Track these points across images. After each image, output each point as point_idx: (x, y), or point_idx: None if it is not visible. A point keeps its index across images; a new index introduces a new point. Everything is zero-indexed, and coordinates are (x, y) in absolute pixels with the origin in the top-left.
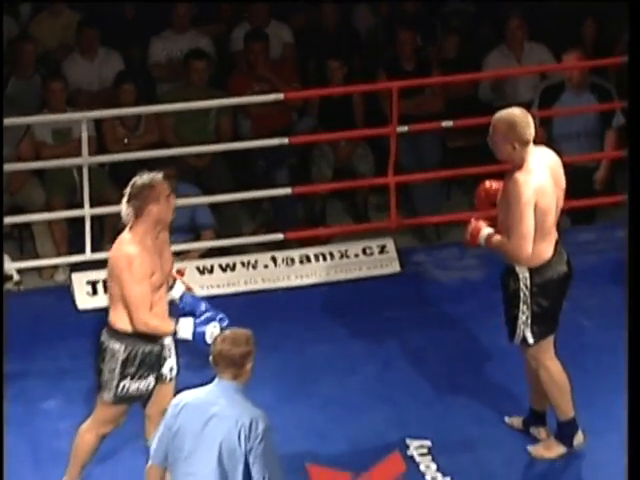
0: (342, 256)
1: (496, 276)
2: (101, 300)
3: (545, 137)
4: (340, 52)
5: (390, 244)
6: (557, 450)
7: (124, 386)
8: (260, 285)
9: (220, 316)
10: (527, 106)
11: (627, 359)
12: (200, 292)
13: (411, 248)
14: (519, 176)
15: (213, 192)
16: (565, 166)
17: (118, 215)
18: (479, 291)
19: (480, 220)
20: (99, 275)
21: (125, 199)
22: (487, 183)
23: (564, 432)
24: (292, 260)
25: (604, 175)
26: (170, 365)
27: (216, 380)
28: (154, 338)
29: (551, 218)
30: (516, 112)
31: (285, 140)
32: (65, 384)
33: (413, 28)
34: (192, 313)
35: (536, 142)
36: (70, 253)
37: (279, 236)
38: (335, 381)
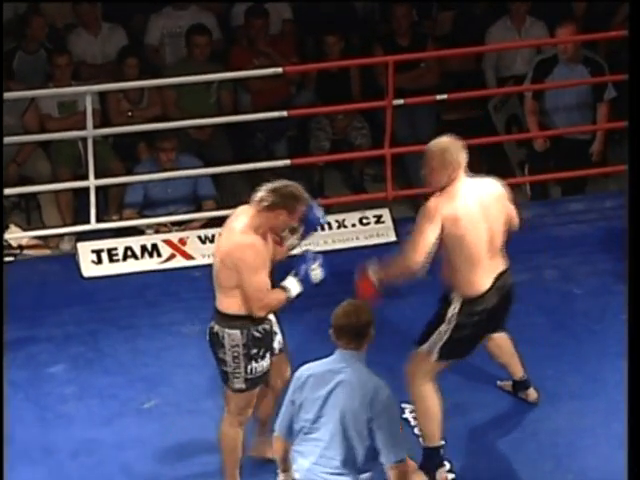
0: (340, 226)
1: None
2: (105, 268)
3: (538, 109)
4: (337, 27)
5: (386, 214)
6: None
7: (252, 369)
8: None
9: (310, 257)
10: (522, 79)
11: (628, 357)
12: (202, 261)
13: (406, 218)
14: (433, 199)
15: (214, 164)
16: (557, 138)
17: (122, 186)
18: None
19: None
20: (103, 244)
21: (271, 188)
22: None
23: (428, 461)
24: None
25: (600, 148)
26: (278, 339)
27: (338, 351)
28: (263, 317)
29: (480, 249)
30: (447, 139)
31: (284, 113)
32: (71, 349)
33: (409, 3)
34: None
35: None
36: (75, 223)
37: None
38: (332, 347)
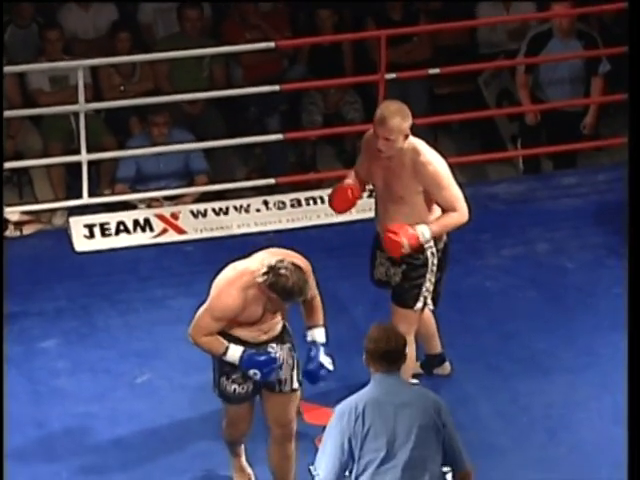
0: (330, 194)
1: (481, 219)
2: (98, 243)
3: (530, 83)
4: (330, 2)
5: None
6: None
7: (223, 384)
8: (252, 228)
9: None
10: (513, 55)
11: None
12: (194, 235)
13: None
14: (424, 159)
15: (206, 138)
16: (550, 111)
17: (114, 160)
18: (464, 234)
19: (400, 231)
20: (96, 219)
21: (273, 270)
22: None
23: None
24: (283, 204)
25: (592, 121)
26: (278, 376)
27: (379, 375)
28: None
29: None
30: (395, 103)
31: (276, 87)
32: (63, 324)
33: None
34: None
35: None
36: (68, 198)
37: (271, 181)
38: (326, 322)
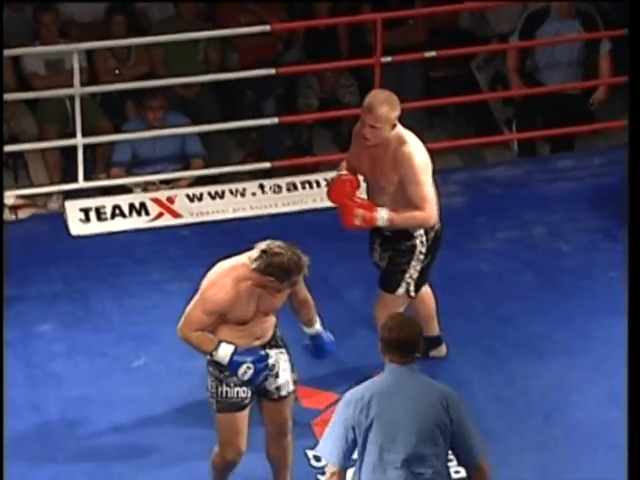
0: (328, 184)
1: (477, 202)
2: (93, 227)
3: (522, 66)
4: None
5: None
6: None
7: (222, 392)
8: (248, 212)
9: (257, 356)
10: (505, 37)
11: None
12: (190, 219)
13: None
14: (407, 149)
15: (202, 122)
16: (547, 94)
17: (109, 144)
18: (460, 217)
19: (360, 202)
20: (91, 203)
21: (267, 253)
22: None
23: None
24: (279, 188)
25: (602, 97)
26: (277, 383)
27: (393, 366)
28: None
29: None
30: (384, 92)
31: (272, 71)
32: (59, 308)
33: None
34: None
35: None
36: (63, 181)
37: (266, 165)
38: (320, 304)
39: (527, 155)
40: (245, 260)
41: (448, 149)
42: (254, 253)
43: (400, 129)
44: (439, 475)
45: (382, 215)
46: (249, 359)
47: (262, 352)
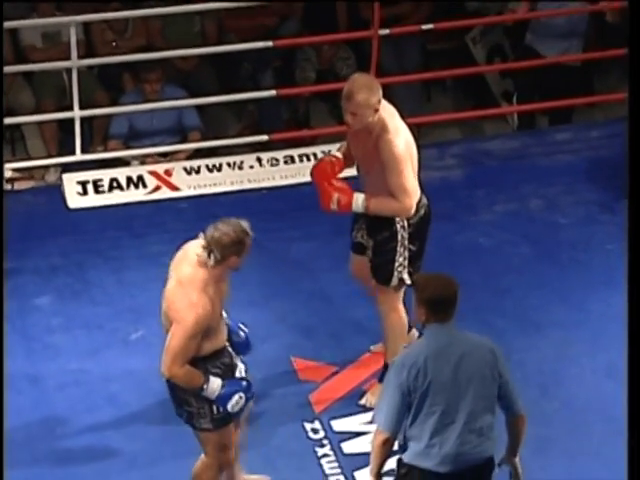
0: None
1: (475, 175)
2: (91, 199)
3: (528, 37)
4: None
5: None
6: None
7: (217, 407)
8: (246, 185)
9: (245, 385)
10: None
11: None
12: (187, 192)
13: None
14: (388, 137)
15: (199, 94)
16: (545, 66)
17: (106, 117)
18: (458, 190)
19: (338, 186)
20: (89, 175)
21: (212, 243)
22: (331, 158)
23: None
24: (277, 161)
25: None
26: (241, 369)
27: (436, 325)
28: (220, 351)
29: (416, 165)
30: (364, 77)
31: (270, 43)
32: (57, 281)
33: None
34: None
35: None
36: (60, 154)
37: (264, 137)
38: (319, 278)
39: (526, 128)
40: (196, 266)
41: (446, 122)
42: (201, 253)
43: (384, 114)
44: (490, 428)
45: (358, 202)
46: (239, 389)
47: (242, 380)
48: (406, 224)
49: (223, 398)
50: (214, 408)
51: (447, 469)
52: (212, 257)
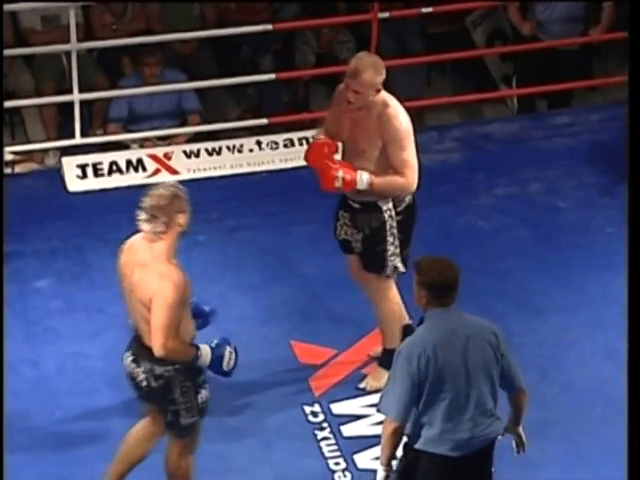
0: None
1: (474, 159)
2: (90, 183)
3: (530, 21)
4: None
5: None
6: (385, 377)
7: (201, 397)
8: (245, 168)
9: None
10: None
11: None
12: (187, 175)
13: None
14: (391, 112)
15: (199, 78)
16: (544, 50)
17: (106, 100)
18: (457, 174)
19: (342, 165)
20: (88, 159)
21: (154, 209)
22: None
23: (388, 359)
24: (276, 144)
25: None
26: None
27: (439, 310)
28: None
29: None
30: (370, 56)
31: (269, 27)
32: (57, 264)
33: None
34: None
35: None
36: (60, 137)
37: (264, 121)
38: (318, 261)
39: (525, 111)
40: (149, 245)
41: (446, 105)
42: (147, 227)
43: (384, 93)
44: (496, 408)
45: (363, 178)
46: (225, 344)
47: (221, 339)
48: (394, 213)
49: (217, 360)
50: (199, 397)
51: (459, 453)
52: (160, 224)
